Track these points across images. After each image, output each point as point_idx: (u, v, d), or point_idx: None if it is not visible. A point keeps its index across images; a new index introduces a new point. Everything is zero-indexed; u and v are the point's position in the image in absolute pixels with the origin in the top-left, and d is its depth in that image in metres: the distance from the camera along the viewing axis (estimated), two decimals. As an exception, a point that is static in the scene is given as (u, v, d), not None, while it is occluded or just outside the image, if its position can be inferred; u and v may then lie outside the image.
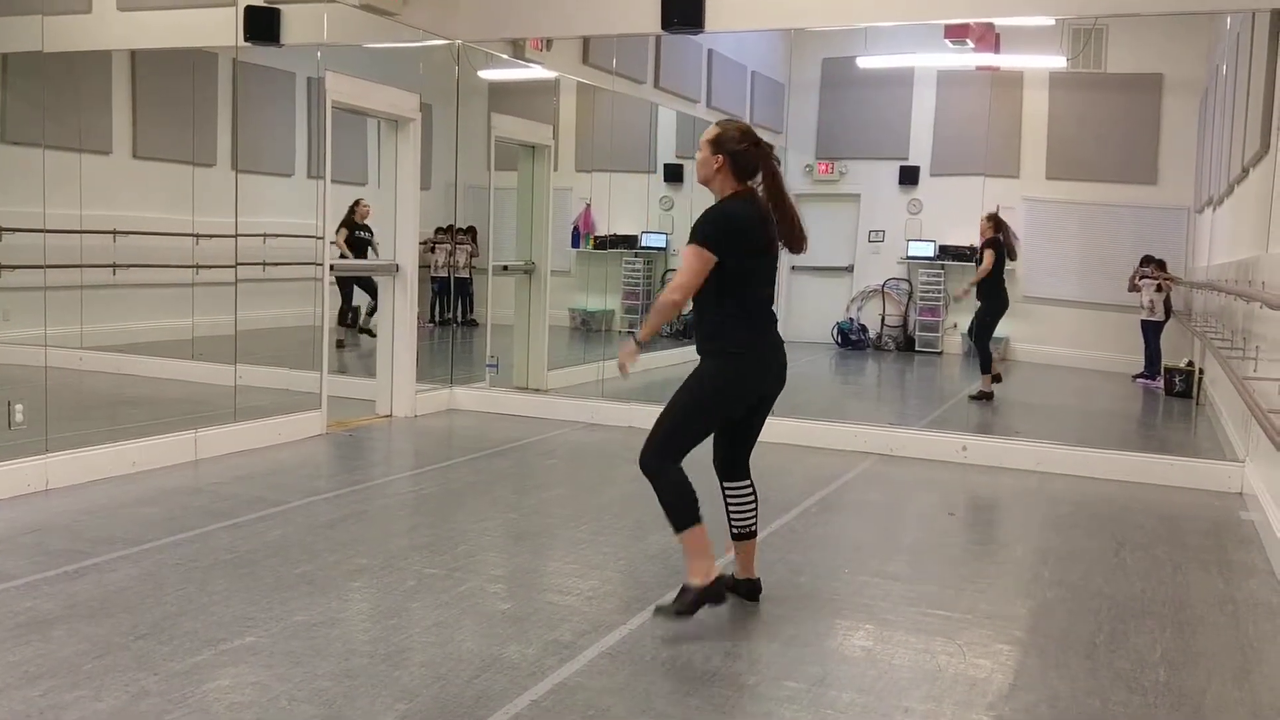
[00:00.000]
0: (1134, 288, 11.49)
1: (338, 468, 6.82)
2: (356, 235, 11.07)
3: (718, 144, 3.98)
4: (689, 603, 3.92)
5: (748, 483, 4.28)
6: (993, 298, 10.02)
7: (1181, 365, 10.64)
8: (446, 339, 10.99)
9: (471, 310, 12.45)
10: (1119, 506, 6.33)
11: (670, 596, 4.06)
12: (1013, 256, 10.14)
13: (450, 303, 12.68)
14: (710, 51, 12.29)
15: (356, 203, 11.05)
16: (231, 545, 4.83)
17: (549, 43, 9.15)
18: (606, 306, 13.40)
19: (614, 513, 5.74)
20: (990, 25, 10.10)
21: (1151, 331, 11.39)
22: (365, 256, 10.77)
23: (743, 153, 3.97)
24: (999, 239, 9.97)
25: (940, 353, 13.79)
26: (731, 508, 4.26)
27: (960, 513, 6.19)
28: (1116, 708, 3.44)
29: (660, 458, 3.98)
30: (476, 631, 3.89)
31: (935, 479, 6.97)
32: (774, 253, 4.03)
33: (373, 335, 9.59)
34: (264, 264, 8.11)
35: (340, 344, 10.15)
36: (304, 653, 3.61)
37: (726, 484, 4.27)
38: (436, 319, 12.80)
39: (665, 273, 13.83)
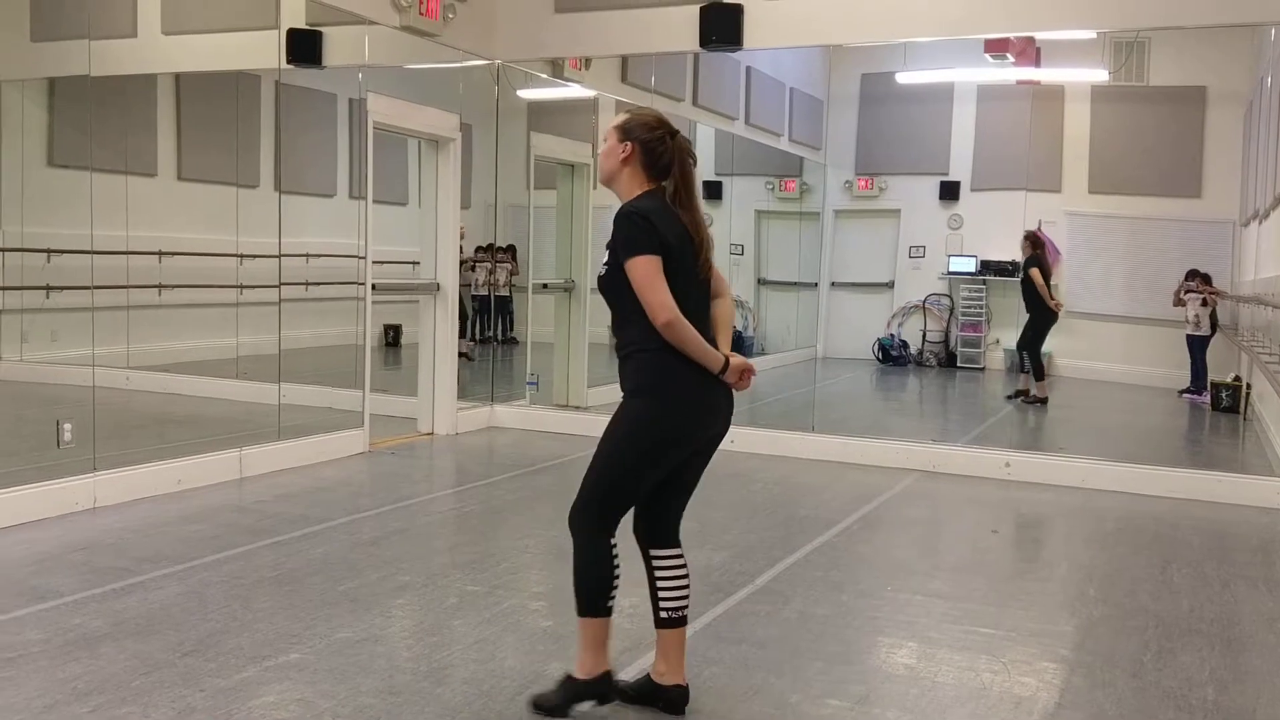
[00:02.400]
0: (1179, 302, 11.33)
1: (380, 486, 6.88)
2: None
3: (626, 130, 3.26)
4: (566, 697, 3.29)
5: (679, 551, 3.38)
6: (1042, 312, 10.59)
7: (1228, 380, 10.47)
8: (487, 357, 11.06)
9: (512, 328, 12.53)
10: (1165, 523, 6.22)
11: (544, 688, 3.42)
12: (1048, 275, 10.69)
13: (491, 321, 12.77)
14: (749, 69, 12.31)
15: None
16: (275, 563, 4.88)
17: (588, 62, 9.22)
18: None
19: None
20: (1031, 39, 10.06)
21: (1197, 346, 11.22)
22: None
23: (657, 141, 3.24)
24: (1039, 255, 10.53)
25: (983, 368, 13.66)
26: (660, 583, 3.34)
27: (1004, 530, 6.11)
28: (1168, 729, 3.38)
29: (587, 510, 3.25)
30: (518, 649, 3.90)
31: (978, 496, 6.89)
32: (706, 271, 3.26)
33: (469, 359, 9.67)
34: (306, 284, 8.22)
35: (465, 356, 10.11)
36: (348, 669, 3.64)
37: (653, 552, 3.36)
38: (477, 337, 12.89)
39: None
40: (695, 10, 7.84)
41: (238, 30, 7.88)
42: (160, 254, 8.50)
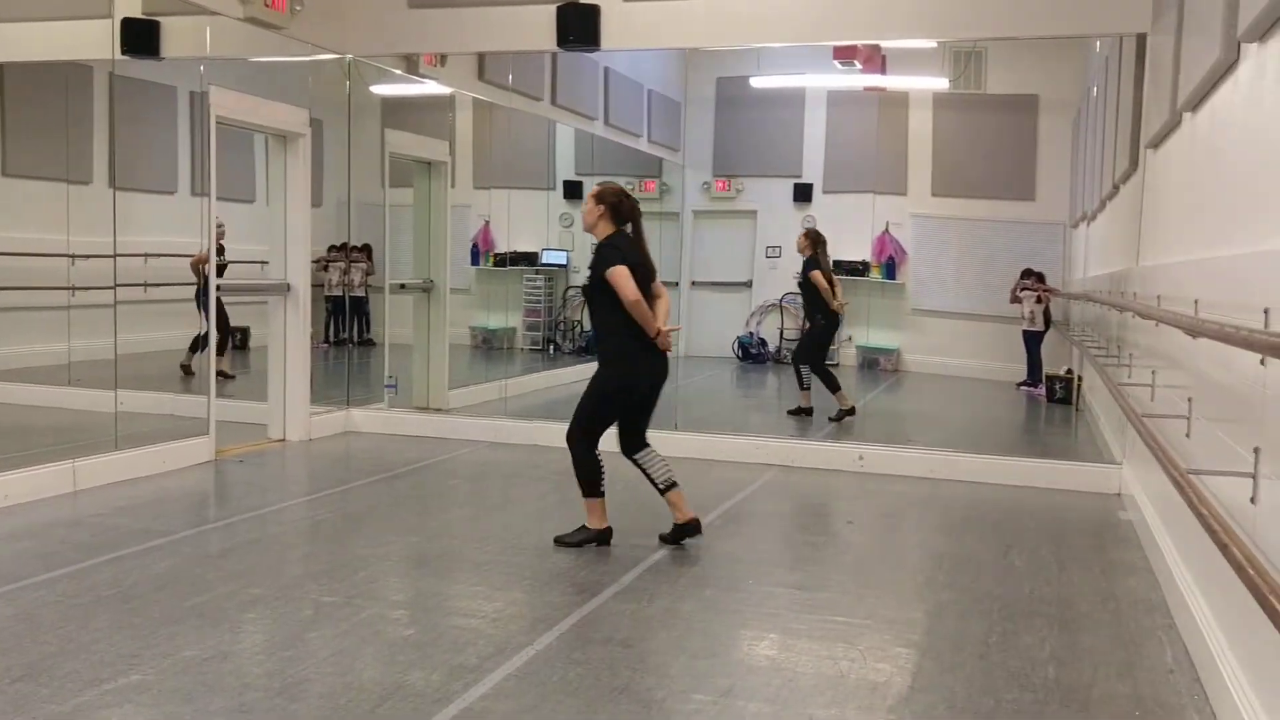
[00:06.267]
0: (1015, 299, 11.94)
1: (228, 495, 6.59)
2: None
3: (600, 198, 5.26)
4: (579, 538, 5.26)
5: (650, 448, 5.36)
6: (823, 318, 9.56)
7: (1061, 373, 11.08)
8: (342, 359, 10.75)
9: (368, 330, 12.22)
10: (1007, 510, 6.55)
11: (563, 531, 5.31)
12: (829, 274, 9.56)
13: (345, 322, 12.43)
14: (607, 70, 12.36)
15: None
16: (115, 580, 4.61)
17: (443, 58, 9.07)
18: (508, 324, 13.32)
19: (519, 532, 5.68)
20: (876, 47, 10.41)
21: (1033, 341, 11.85)
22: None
23: (618, 204, 5.25)
24: (818, 256, 9.48)
25: (836, 364, 14.06)
26: (649, 470, 5.31)
27: (858, 521, 6.32)
28: (1009, 705, 3.54)
29: (580, 432, 5.24)
30: (378, 659, 3.80)
31: (834, 488, 7.10)
32: (651, 277, 5.24)
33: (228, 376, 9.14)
34: (145, 285, 7.81)
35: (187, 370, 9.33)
36: (195, 689, 3.47)
37: (635, 456, 5.33)
38: (331, 339, 12.53)
39: (566, 289, 13.83)
40: (552, 9, 7.81)
41: (68, 19, 7.43)
42: (-16, 254, 7.95)
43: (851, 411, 9.42)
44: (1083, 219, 10.94)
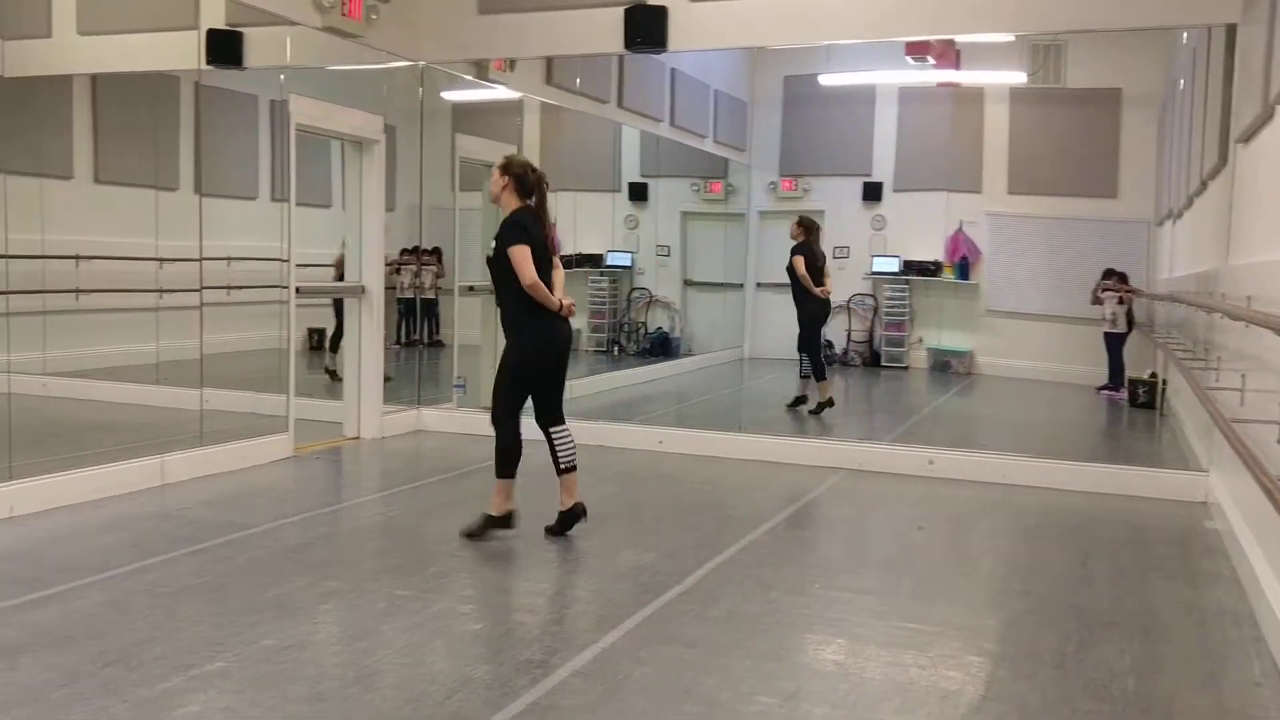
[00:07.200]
0: (1096, 300, 11.65)
1: (305, 491, 6.77)
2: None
3: (506, 168, 5.32)
4: (481, 526, 5.34)
5: (565, 427, 5.51)
6: (808, 306, 9.57)
7: (1145, 376, 10.79)
8: (413, 360, 10.95)
9: (438, 331, 12.41)
10: (1085, 517, 6.40)
11: (469, 525, 5.39)
12: (815, 262, 9.54)
13: (416, 324, 12.63)
14: (673, 70, 12.38)
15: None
16: (199, 570, 4.77)
17: (512, 63, 9.17)
18: (573, 326, 13.40)
19: (584, 531, 5.72)
20: (950, 42, 10.27)
21: (1114, 343, 11.56)
22: None
23: (523, 176, 5.30)
24: (808, 243, 9.49)
25: (906, 367, 13.92)
26: (558, 447, 5.46)
27: (929, 526, 6.24)
28: (1086, 716, 3.47)
29: (501, 412, 5.38)
30: (448, 652, 3.87)
31: (903, 493, 7.02)
32: (550, 253, 5.37)
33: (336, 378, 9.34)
34: (229, 287, 8.05)
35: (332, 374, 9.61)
36: (274, 677, 3.58)
37: (551, 430, 5.48)
38: (403, 340, 12.75)
39: (631, 291, 13.88)
40: (620, 12, 7.86)
41: (156, 30, 7.69)
42: (78, 258, 8.26)
43: (829, 404, 9.56)
44: (1168, 216, 10.65)
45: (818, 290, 9.50)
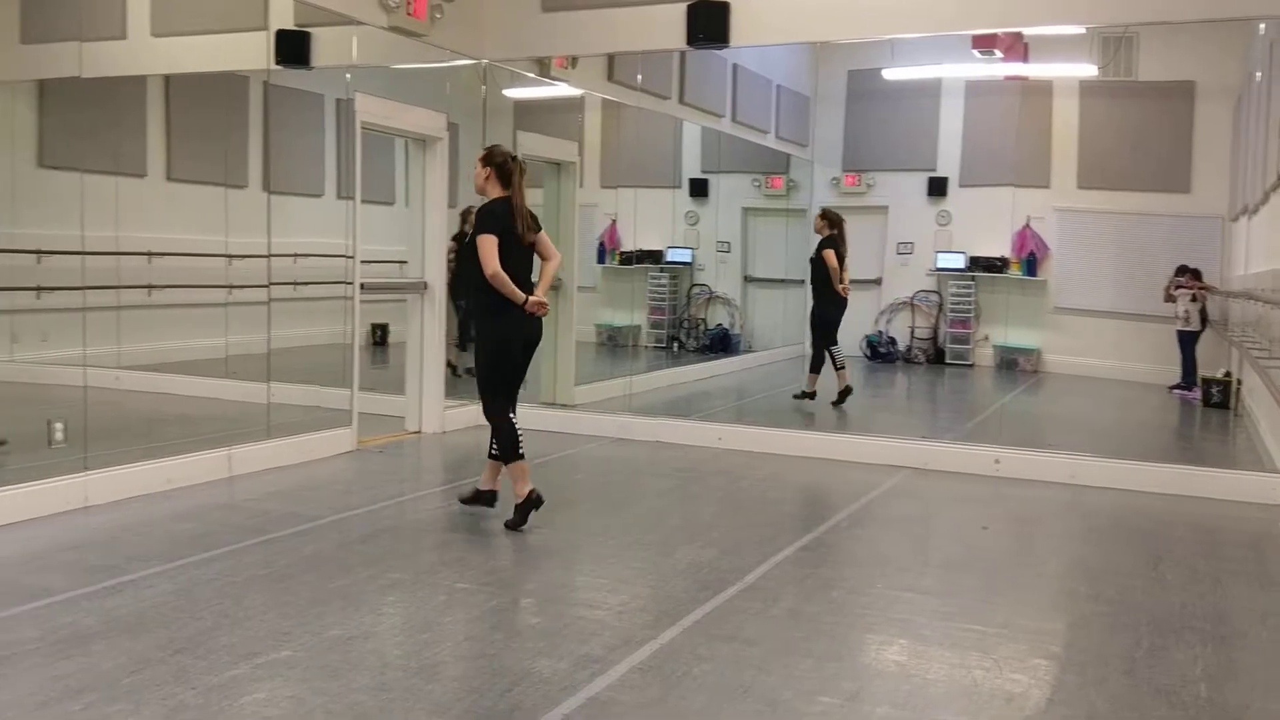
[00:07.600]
0: (1169, 298, 11.36)
1: (369, 483, 6.87)
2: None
3: (487, 159, 5.43)
4: (519, 516, 5.43)
5: (515, 417, 5.55)
6: (825, 300, 9.72)
7: (1219, 376, 10.50)
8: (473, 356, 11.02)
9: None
10: (1156, 519, 6.25)
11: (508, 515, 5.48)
12: (843, 258, 9.65)
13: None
14: (735, 66, 12.31)
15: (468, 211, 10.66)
16: (266, 561, 4.87)
17: (574, 60, 9.20)
18: (633, 322, 13.42)
19: (642, 527, 5.73)
20: (1018, 35, 10.06)
21: (1187, 342, 11.25)
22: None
23: (504, 164, 5.38)
24: (835, 237, 9.61)
25: (971, 365, 13.68)
26: (521, 434, 5.53)
27: (994, 526, 6.13)
28: (1157, 722, 3.39)
29: (487, 401, 5.52)
30: (508, 646, 3.90)
31: (968, 492, 6.91)
32: (527, 242, 5.41)
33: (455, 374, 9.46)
34: (295, 283, 8.20)
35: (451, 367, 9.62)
36: (339, 666, 3.63)
37: (511, 415, 5.53)
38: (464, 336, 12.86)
39: (691, 288, 13.85)
40: (682, 8, 7.84)
41: (227, 31, 7.85)
42: (150, 254, 8.47)
43: (812, 396, 9.73)
44: (1244, 212, 10.33)
45: (839, 286, 9.61)
